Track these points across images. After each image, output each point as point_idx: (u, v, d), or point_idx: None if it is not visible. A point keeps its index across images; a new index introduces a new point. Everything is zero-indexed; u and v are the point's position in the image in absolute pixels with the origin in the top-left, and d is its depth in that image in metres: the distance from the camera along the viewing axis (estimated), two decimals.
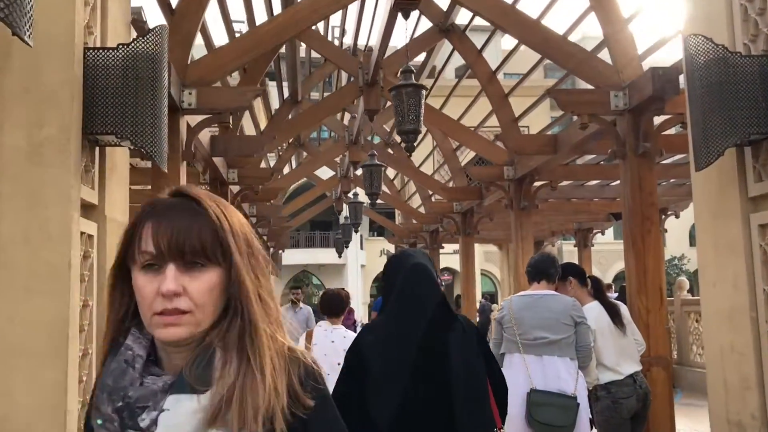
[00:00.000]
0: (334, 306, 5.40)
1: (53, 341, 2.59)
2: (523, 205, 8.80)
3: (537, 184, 9.09)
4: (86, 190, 2.99)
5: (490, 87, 9.31)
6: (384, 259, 35.45)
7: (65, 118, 2.73)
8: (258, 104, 13.33)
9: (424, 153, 15.62)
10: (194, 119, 5.65)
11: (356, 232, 15.39)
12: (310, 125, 10.21)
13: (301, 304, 10.85)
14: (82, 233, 2.91)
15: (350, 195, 14.01)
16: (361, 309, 32.51)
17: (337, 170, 14.23)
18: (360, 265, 37.91)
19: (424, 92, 6.32)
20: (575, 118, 6.67)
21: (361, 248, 38.35)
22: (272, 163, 15.02)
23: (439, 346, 2.58)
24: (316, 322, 6.14)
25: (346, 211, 15.34)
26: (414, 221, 16.15)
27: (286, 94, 12.18)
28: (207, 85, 5.53)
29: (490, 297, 24.75)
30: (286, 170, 14.82)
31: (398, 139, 13.72)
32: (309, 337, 5.24)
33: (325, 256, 36.87)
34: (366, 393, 2.52)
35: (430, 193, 14.70)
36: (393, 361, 2.56)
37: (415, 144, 6.43)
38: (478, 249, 31.02)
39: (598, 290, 5.33)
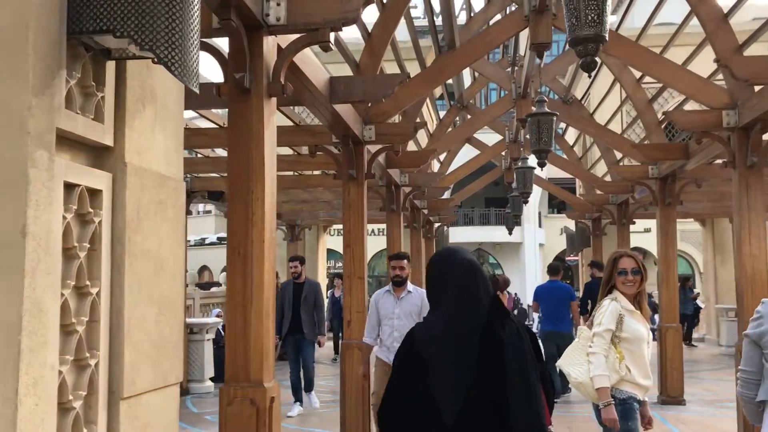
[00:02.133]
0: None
1: None
2: (751, 162, 6.75)
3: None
4: (84, 122, 2.00)
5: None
6: (563, 238, 34.53)
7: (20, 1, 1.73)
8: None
9: (610, 110, 13.75)
10: (286, 39, 4.37)
11: (525, 203, 13.13)
12: (462, 66, 7.40)
13: (410, 286, 6.57)
14: (73, 186, 1.94)
15: (519, 162, 11.71)
16: None
17: (505, 134, 12.51)
18: (538, 244, 37.19)
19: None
20: None
21: (540, 226, 37.98)
22: (431, 126, 14.04)
23: (496, 346, 2.52)
24: None
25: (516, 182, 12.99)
26: (598, 192, 13.88)
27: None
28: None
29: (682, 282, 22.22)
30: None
31: (578, 95, 13.25)
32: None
33: (501, 234, 35.94)
34: (433, 389, 2.49)
35: (619, 157, 12.91)
36: (456, 359, 2.52)
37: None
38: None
39: None
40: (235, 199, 3.95)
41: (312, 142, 7.76)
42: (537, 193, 36.66)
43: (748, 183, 6.74)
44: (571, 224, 20.63)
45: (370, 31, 7.00)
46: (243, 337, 3.86)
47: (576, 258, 32.48)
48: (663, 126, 10.52)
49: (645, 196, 11.96)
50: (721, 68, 6.65)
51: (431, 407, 2.47)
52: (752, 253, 6.55)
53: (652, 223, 24.19)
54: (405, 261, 6.65)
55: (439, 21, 9.40)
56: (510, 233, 19.78)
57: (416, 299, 6.17)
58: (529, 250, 37.13)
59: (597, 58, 4.13)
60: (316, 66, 5.42)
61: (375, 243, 24.97)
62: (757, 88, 6.48)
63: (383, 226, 11.75)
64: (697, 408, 9.57)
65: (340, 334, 11.96)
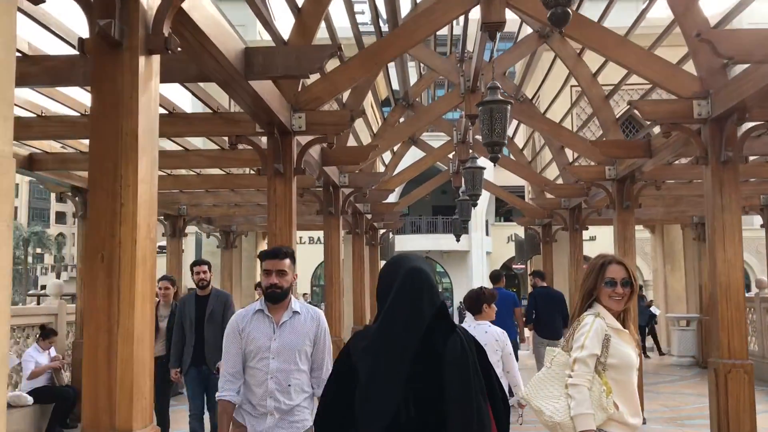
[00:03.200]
0: (474, 304, 5.71)
1: None
2: (726, 157, 6.02)
3: (748, 125, 6.30)
4: None
5: None
6: (512, 246, 34.37)
7: None
8: None
9: (561, 112, 13.31)
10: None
11: (474, 206, 12.49)
12: (405, 47, 6.53)
13: (297, 303, 4.28)
14: None
15: (468, 162, 10.81)
16: None
17: (453, 134, 11.75)
18: (485, 252, 37.06)
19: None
20: None
21: (487, 234, 38.11)
22: (375, 129, 13.34)
23: (434, 362, 2.30)
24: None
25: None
26: (549, 196, 13.19)
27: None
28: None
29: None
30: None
31: (528, 94, 12.83)
32: None
33: (448, 242, 37.29)
34: (355, 402, 2.30)
35: (572, 157, 12.33)
36: (385, 373, 2.29)
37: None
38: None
39: None
40: (96, 187, 2.97)
41: (232, 132, 6.66)
42: (484, 201, 36.66)
43: (722, 181, 6.04)
44: (521, 231, 20.13)
45: (300, 5, 6.39)
46: (106, 371, 2.88)
47: (523, 266, 32.37)
48: (621, 123, 10.00)
49: (599, 200, 11.46)
50: (701, 44, 5.48)
51: (351, 423, 2.31)
52: (727, 259, 5.91)
53: (598, 231, 24.19)
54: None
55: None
56: (458, 240, 19.26)
57: (308, 325, 3.74)
58: (477, 258, 37.20)
59: (569, 9, 3.76)
60: (227, 32, 4.48)
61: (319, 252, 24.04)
62: (732, 74, 5.98)
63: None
64: (658, 427, 8.89)
65: None
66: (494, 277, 10.24)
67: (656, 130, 7.41)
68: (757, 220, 15.33)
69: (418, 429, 2.27)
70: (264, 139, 6.32)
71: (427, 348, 2.30)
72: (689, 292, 17.32)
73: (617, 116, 9.65)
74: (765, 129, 6.04)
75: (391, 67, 11.37)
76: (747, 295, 16.11)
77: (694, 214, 14.81)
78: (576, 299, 3.43)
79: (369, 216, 13.02)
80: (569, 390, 3.08)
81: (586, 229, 13.07)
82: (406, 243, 35.95)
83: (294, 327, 3.68)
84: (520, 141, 16.25)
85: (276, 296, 3.68)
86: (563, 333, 7.99)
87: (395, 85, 12.60)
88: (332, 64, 6.42)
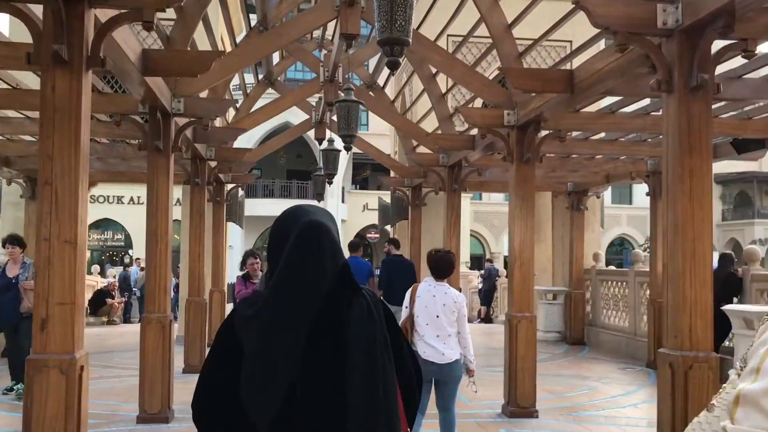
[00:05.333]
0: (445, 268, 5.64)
1: None
2: (526, 158, 7.56)
3: (543, 133, 7.67)
4: None
5: None
6: (368, 215, 33.19)
7: None
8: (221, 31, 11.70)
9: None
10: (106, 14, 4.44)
11: (329, 184, 13.19)
12: (275, 48, 8.33)
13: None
14: None
15: (325, 142, 11.93)
16: None
17: (312, 114, 12.29)
18: (341, 220, 35.96)
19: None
20: None
21: (343, 201, 36.58)
22: (239, 103, 13.62)
23: (335, 328, 1.93)
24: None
25: (319, 161, 13.66)
26: (393, 175, 14.20)
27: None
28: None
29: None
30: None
31: (381, 83, 13.53)
32: (413, 291, 5.57)
33: None
34: (241, 384, 1.89)
35: (414, 144, 12.95)
36: (277, 347, 1.89)
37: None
38: (470, 207, 29.75)
39: None
40: None
41: (115, 110, 7.31)
42: (341, 168, 35.29)
43: (524, 176, 7.51)
44: (374, 201, 19.19)
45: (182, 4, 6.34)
46: None
47: (377, 236, 31.52)
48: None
49: (479, 159, 10.24)
50: (504, 73, 7.06)
51: (239, 410, 1.89)
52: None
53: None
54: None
55: None
56: (320, 200, 18.21)
57: None
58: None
59: (400, 60, 4.78)
60: (129, 36, 5.23)
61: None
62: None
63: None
64: (554, 422, 7.52)
65: None
66: (353, 246, 10.51)
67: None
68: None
69: (315, 414, 1.88)
70: None
71: (327, 316, 1.93)
72: (556, 264, 16.58)
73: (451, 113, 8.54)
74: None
75: None
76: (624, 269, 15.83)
77: (573, 180, 13.83)
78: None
79: (213, 163, 10.74)
80: None
81: (465, 190, 11.64)
82: (257, 207, 34.14)
83: None
84: (390, 92, 14.71)
85: None
86: None
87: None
88: None
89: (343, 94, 8.45)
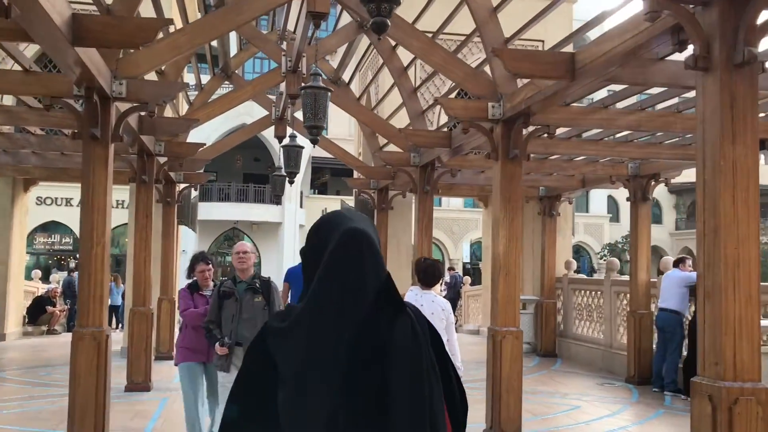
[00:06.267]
0: (431, 277, 5.64)
1: None
2: (513, 154, 6.87)
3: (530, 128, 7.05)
4: None
5: None
6: None
7: None
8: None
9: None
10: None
11: (291, 183, 11.63)
12: (232, 25, 6.91)
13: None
14: None
15: (287, 138, 10.65)
16: None
17: (272, 110, 11.31)
18: (299, 225, 34.99)
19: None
20: None
21: (301, 206, 35.76)
22: (192, 97, 13.05)
23: (376, 350, 1.75)
24: None
25: (279, 161, 12.33)
26: (360, 176, 13.36)
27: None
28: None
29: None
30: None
31: (346, 79, 12.64)
32: None
33: (260, 212, 34.86)
34: (279, 411, 1.74)
35: (381, 144, 12.26)
36: (317, 366, 1.74)
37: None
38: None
39: None
40: None
41: (45, 93, 6.59)
42: (300, 173, 34.31)
43: (511, 174, 6.85)
44: (336, 204, 18.38)
45: None
46: None
47: None
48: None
49: (450, 161, 9.60)
50: (494, 56, 6.49)
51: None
52: (507, 239, 5.99)
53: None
54: None
55: None
56: (278, 201, 17.63)
57: None
58: (289, 231, 35.23)
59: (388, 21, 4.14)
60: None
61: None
62: (520, 83, 6.60)
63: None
64: None
65: None
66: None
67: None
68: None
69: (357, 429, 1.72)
70: None
71: (369, 334, 1.75)
72: (526, 272, 15.94)
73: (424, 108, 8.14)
74: None
75: None
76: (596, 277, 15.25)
77: (546, 184, 13.18)
78: None
79: (162, 159, 9.74)
80: None
81: (438, 192, 10.87)
82: (212, 211, 33.04)
83: None
84: (356, 91, 13.92)
85: None
86: None
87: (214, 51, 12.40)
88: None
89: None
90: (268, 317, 5.19)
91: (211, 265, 6.30)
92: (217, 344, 5.50)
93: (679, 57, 5.61)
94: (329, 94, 6.72)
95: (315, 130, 6.68)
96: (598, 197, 44.07)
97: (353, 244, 1.80)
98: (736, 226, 3.69)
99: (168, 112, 10.21)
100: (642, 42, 4.56)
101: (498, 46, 6.33)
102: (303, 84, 7.08)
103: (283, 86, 9.52)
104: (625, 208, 45.04)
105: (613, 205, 45.63)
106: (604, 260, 40.89)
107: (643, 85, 5.87)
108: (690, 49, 4.04)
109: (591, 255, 42.80)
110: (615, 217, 45.73)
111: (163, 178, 10.57)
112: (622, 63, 4.98)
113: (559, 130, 8.18)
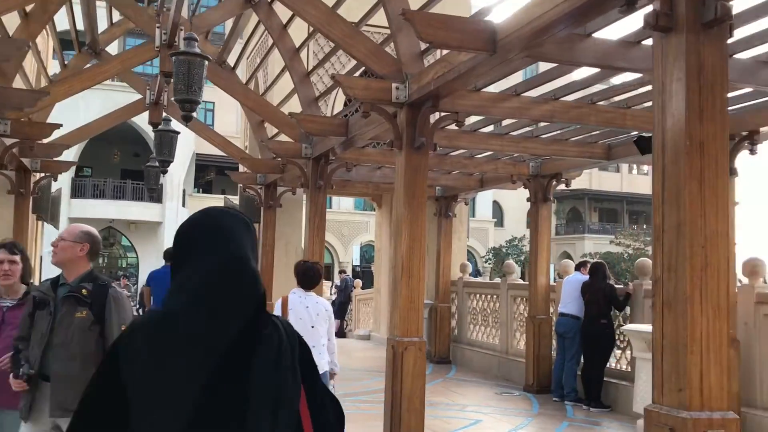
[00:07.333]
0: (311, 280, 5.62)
1: None
2: (419, 143, 6.10)
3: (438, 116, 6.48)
4: None
5: None
6: None
7: None
8: None
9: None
10: None
11: (164, 173, 10.85)
12: None
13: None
14: None
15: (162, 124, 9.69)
16: None
17: (146, 94, 10.10)
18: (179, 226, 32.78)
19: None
20: None
21: (183, 205, 33.94)
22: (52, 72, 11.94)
23: (239, 367, 1.58)
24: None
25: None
26: (245, 170, 12.32)
27: None
28: None
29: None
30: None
31: (231, 63, 11.41)
32: (285, 303, 5.45)
33: (138, 211, 33.03)
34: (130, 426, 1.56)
35: (270, 135, 11.55)
36: (171, 384, 1.52)
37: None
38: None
39: None
40: None
41: None
42: (182, 169, 32.74)
43: (416, 166, 6.13)
44: (220, 202, 17.07)
45: None
46: None
47: None
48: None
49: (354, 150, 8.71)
50: (399, 30, 6.16)
51: None
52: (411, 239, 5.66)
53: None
54: None
55: None
56: (152, 195, 16.29)
57: None
58: (170, 231, 33.10)
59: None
60: None
61: None
62: (427, 61, 6.35)
63: None
64: None
65: None
66: (167, 254, 8.76)
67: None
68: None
69: None
70: None
71: (238, 345, 1.58)
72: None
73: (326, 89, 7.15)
74: None
75: (76, 5, 9.99)
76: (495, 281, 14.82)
77: (443, 183, 12.58)
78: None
79: (9, 141, 8.30)
80: None
81: (332, 187, 9.96)
82: (86, 208, 30.83)
83: None
84: (242, 77, 12.85)
85: None
86: None
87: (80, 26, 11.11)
88: None
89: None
90: (94, 344, 3.70)
91: (16, 256, 4.28)
92: (11, 375, 3.79)
93: (610, 35, 5.03)
94: (206, 63, 5.83)
95: (188, 104, 5.75)
96: (484, 202, 44.70)
97: (225, 245, 1.62)
98: (704, 221, 3.03)
99: (16, 83, 8.69)
100: (581, 3, 3.84)
101: (408, 10, 5.27)
102: (175, 51, 6.05)
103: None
104: (509, 214, 46.51)
105: (498, 210, 46.49)
106: (489, 264, 41.79)
107: (569, 63, 5.23)
108: (642, 11, 3.37)
109: (477, 259, 43.23)
110: (500, 222, 46.61)
111: (17, 166, 9.11)
112: (554, 32, 4.25)
113: (466, 121, 7.52)
